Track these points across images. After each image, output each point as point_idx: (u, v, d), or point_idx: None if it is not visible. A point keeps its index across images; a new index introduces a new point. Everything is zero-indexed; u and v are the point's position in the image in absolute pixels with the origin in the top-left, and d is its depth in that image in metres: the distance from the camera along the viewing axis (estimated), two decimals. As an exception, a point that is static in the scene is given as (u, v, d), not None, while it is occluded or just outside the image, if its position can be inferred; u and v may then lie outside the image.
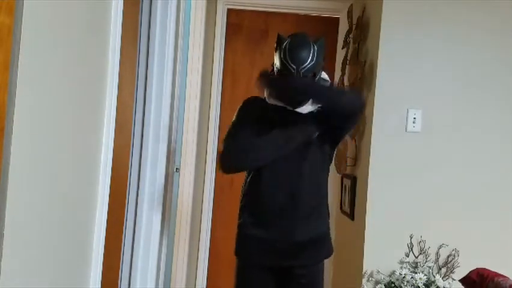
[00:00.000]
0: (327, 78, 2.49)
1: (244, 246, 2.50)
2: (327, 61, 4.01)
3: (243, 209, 2.53)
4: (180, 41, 3.04)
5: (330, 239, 2.58)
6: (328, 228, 2.58)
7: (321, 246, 2.53)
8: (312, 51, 2.32)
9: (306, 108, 2.38)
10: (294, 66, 2.28)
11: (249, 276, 2.50)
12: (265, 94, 2.46)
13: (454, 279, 2.98)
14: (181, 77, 3.28)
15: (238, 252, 2.52)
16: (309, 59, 2.30)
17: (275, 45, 2.40)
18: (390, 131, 3.15)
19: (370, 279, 3.08)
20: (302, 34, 2.40)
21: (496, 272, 2.48)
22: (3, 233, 1.11)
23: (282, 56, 2.32)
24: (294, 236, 2.44)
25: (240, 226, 2.53)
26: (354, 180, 3.36)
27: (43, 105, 1.29)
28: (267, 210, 2.44)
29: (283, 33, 2.43)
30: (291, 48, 2.31)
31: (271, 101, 2.43)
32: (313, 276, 2.50)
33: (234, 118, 2.52)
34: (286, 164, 2.41)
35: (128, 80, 2.54)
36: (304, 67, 2.30)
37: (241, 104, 2.55)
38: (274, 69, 2.39)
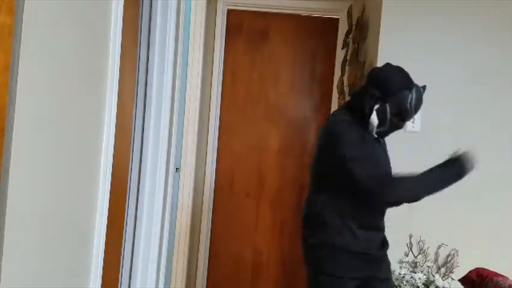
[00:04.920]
0: None
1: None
2: (327, 62, 4.07)
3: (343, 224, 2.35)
4: (180, 43, 3.04)
5: None
6: None
7: None
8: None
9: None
10: (414, 118, 2.27)
11: None
12: (372, 126, 2.28)
13: (453, 279, 2.99)
14: (181, 79, 3.28)
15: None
16: None
17: (398, 83, 2.22)
18: (390, 131, 3.14)
19: (370, 279, 3.08)
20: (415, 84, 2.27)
21: (495, 272, 2.49)
22: (4, 234, 1.11)
23: (412, 103, 2.19)
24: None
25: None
26: (354, 180, 3.35)
27: (44, 105, 1.29)
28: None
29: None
30: (419, 98, 2.22)
31: (374, 131, 2.32)
32: None
33: (355, 150, 2.27)
34: None
35: (128, 81, 2.54)
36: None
37: (349, 133, 2.28)
38: (386, 110, 2.22)
